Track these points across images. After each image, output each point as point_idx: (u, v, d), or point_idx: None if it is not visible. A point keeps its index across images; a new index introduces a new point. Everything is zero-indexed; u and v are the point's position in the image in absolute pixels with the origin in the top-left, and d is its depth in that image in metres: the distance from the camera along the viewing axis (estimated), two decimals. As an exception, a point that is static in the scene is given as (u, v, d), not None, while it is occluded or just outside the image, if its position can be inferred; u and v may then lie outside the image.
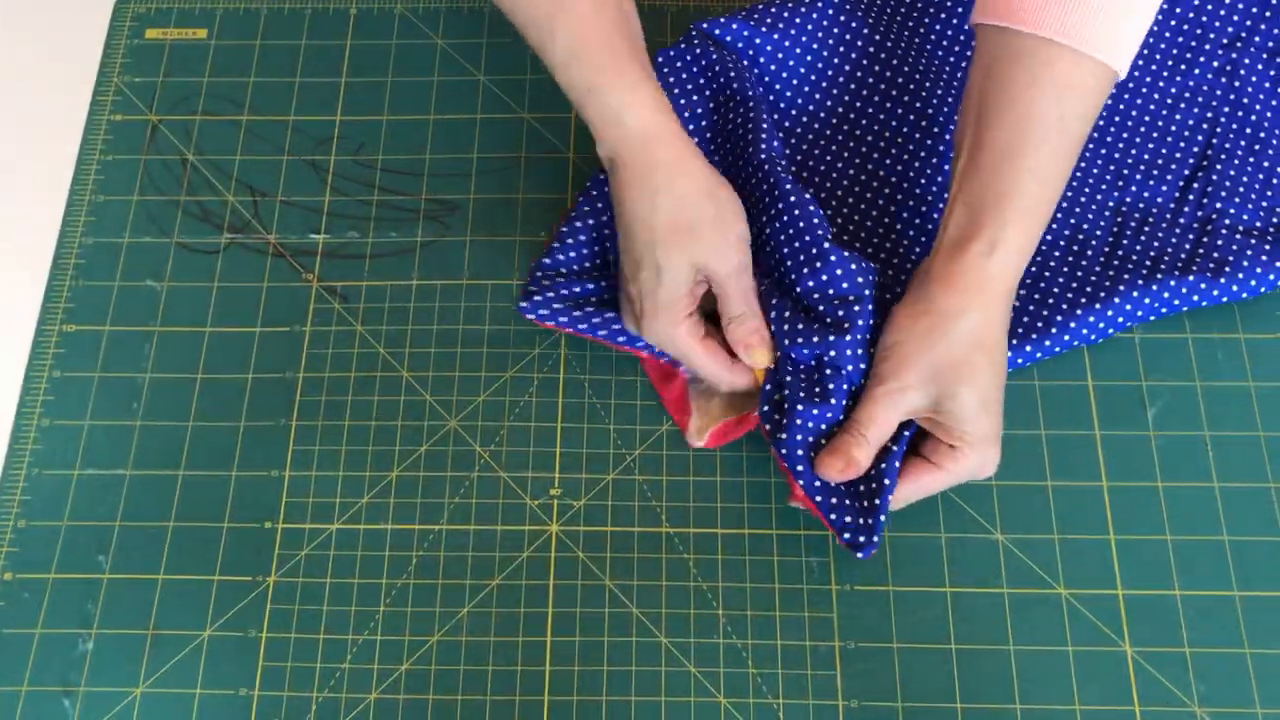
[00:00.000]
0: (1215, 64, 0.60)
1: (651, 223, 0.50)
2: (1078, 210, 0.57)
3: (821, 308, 0.51)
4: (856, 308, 0.50)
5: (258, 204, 0.61)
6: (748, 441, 0.54)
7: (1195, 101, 0.60)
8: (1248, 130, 0.59)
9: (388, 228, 0.60)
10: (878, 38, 0.61)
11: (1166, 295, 0.54)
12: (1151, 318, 0.55)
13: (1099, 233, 0.57)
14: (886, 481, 0.49)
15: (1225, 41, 0.61)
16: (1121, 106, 0.60)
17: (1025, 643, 0.50)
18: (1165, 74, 0.60)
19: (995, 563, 0.52)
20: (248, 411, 0.56)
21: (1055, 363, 0.56)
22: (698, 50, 0.58)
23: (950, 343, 0.48)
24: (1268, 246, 0.55)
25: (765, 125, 0.55)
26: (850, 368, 0.50)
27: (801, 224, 0.52)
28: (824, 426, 0.50)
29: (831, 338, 0.50)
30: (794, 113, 0.60)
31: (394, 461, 0.55)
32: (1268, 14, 0.61)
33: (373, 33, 0.65)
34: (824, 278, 0.51)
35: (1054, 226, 0.57)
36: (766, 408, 0.51)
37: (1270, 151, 0.58)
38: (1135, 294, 0.54)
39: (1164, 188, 0.58)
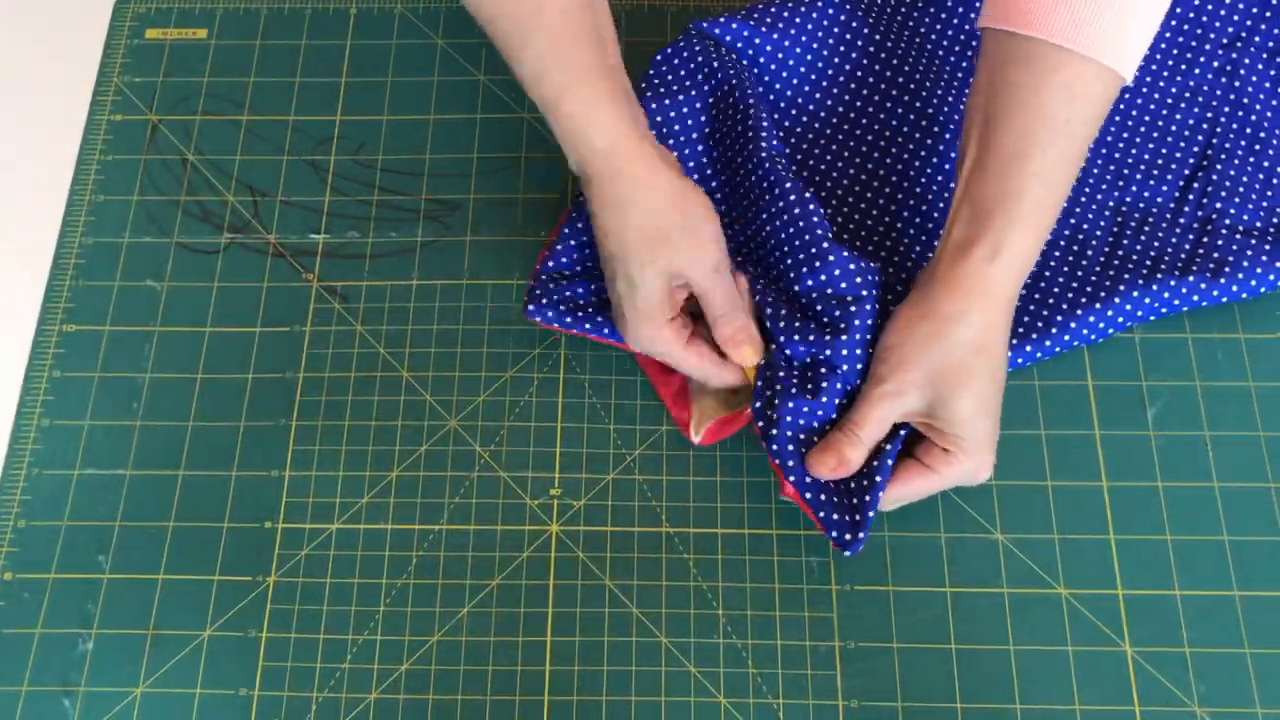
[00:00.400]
0: (1215, 64, 0.60)
1: (623, 236, 0.50)
2: (1078, 210, 0.57)
3: (820, 307, 0.51)
4: (854, 308, 0.50)
5: (258, 204, 0.61)
6: (748, 442, 0.54)
7: (1195, 101, 0.60)
8: (1248, 130, 0.59)
9: (388, 228, 0.60)
10: (878, 37, 0.61)
11: (1167, 295, 0.54)
12: (1151, 318, 0.55)
13: (1099, 233, 0.57)
14: (878, 479, 0.49)
15: (1225, 41, 0.61)
16: (1122, 106, 0.60)
17: (1025, 643, 0.50)
18: (1165, 74, 0.60)
19: (995, 563, 0.52)
20: (248, 411, 0.56)
21: (1055, 363, 0.56)
22: (696, 49, 0.58)
23: (949, 347, 0.48)
24: (1268, 247, 0.55)
25: (765, 124, 0.55)
26: (846, 368, 0.50)
27: (802, 223, 0.52)
28: (815, 424, 0.50)
29: (828, 337, 0.50)
30: (794, 112, 0.60)
31: (394, 461, 0.55)
32: (1268, 14, 0.61)
33: (373, 33, 0.65)
34: (823, 277, 0.51)
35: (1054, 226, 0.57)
36: (759, 404, 0.51)
37: (1270, 151, 0.58)
38: (1135, 294, 0.54)
39: (1164, 188, 0.58)
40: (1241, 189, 0.57)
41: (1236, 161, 0.58)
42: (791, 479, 0.50)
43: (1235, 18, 0.61)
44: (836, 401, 0.50)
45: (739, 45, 0.59)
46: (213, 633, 0.52)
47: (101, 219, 0.60)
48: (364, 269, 0.59)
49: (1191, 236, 0.56)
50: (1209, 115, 0.59)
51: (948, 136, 0.59)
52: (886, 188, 0.59)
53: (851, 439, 0.49)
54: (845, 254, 0.51)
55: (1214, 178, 0.57)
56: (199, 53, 0.65)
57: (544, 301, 0.54)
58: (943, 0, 0.62)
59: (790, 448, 0.50)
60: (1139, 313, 0.55)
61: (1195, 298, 0.55)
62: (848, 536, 0.49)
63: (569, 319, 0.54)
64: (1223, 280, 0.54)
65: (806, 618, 0.51)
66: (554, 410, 0.55)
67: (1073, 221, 0.57)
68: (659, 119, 0.58)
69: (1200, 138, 0.59)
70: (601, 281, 0.55)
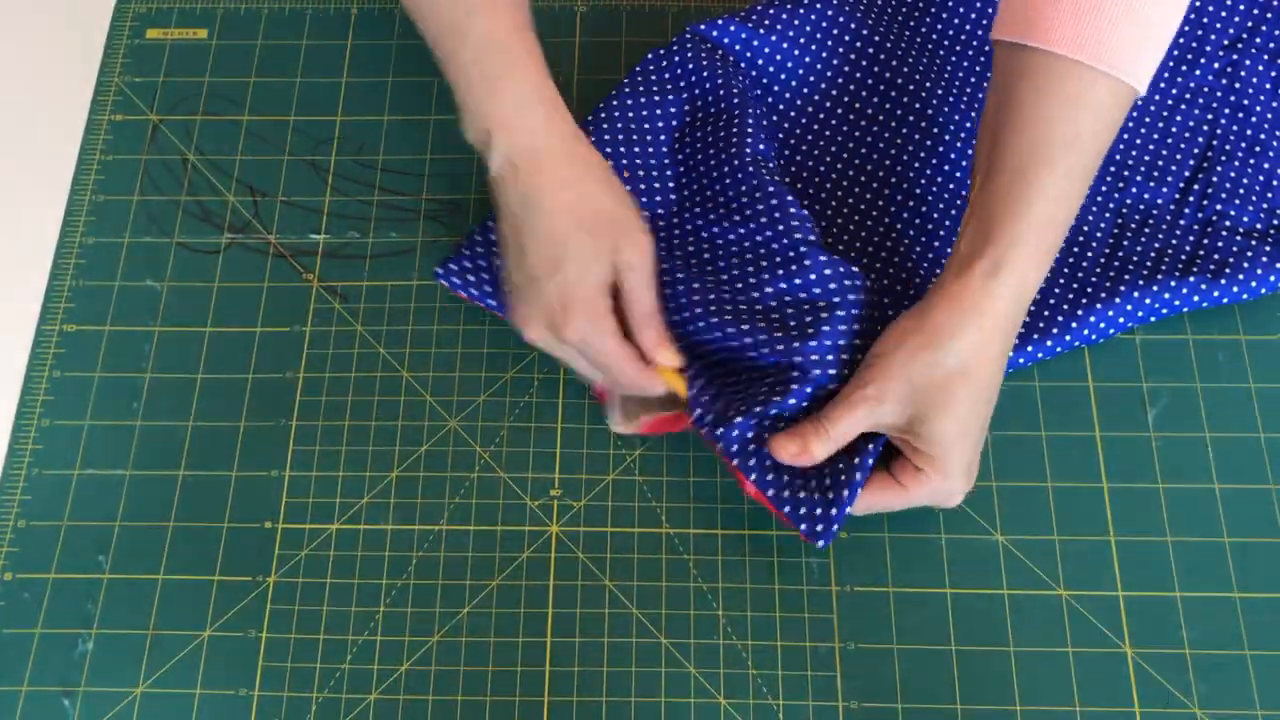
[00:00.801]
0: (1216, 65, 0.60)
1: (578, 210, 0.49)
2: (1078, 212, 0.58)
3: (790, 310, 0.51)
4: (828, 314, 0.50)
5: (258, 204, 0.61)
6: (748, 442, 0.54)
7: (1195, 103, 0.60)
8: (1248, 132, 0.59)
9: (388, 228, 0.60)
10: (876, 38, 0.61)
11: (1167, 296, 0.54)
12: (1152, 318, 0.55)
13: (1099, 234, 0.57)
14: (857, 476, 0.48)
15: (1225, 43, 0.61)
16: None
17: (1025, 643, 0.50)
18: (1166, 75, 0.60)
19: (995, 563, 0.52)
20: (248, 411, 0.56)
21: (1055, 363, 0.56)
22: (688, 53, 0.58)
23: (936, 361, 0.47)
24: (1268, 248, 0.55)
25: (751, 128, 0.55)
26: (818, 372, 0.49)
27: (781, 226, 0.52)
28: (767, 421, 0.50)
29: (796, 343, 0.49)
30: (792, 114, 0.60)
31: (394, 461, 0.55)
32: (1269, 15, 0.61)
33: (373, 33, 0.65)
34: (798, 281, 0.51)
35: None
36: (700, 408, 0.50)
37: (1270, 153, 0.58)
38: (1136, 294, 0.54)
39: (1164, 189, 0.58)
40: (1242, 190, 0.57)
41: (1236, 163, 0.58)
42: (753, 478, 0.49)
43: (1236, 19, 0.61)
44: (804, 405, 0.50)
45: (736, 48, 0.59)
46: (213, 633, 0.52)
47: (102, 219, 0.60)
48: (364, 269, 0.59)
49: (1192, 238, 0.56)
50: (1209, 117, 0.59)
51: (947, 138, 0.59)
52: (886, 189, 0.59)
53: (820, 433, 0.48)
54: (824, 258, 0.51)
55: (1214, 179, 0.57)
56: (199, 53, 0.65)
57: (454, 267, 0.55)
58: (943, 0, 0.62)
59: (751, 447, 0.50)
60: (1140, 313, 0.55)
61: (1196, 298, 0.55)
62: (819, 528, 0.48)
63: (474, 290, 0.55)
64: (1223, 281, 0.54)
65: (806, 619, 0.51)
66: (554, 411, 0.55)
67: (1073, 223, 0.57)
68: (630, 115, 0.58)
69: (1200, 139, 0.59)
70: None
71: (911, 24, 0.62)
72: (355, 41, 0.65)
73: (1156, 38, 0.47)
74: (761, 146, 0.55)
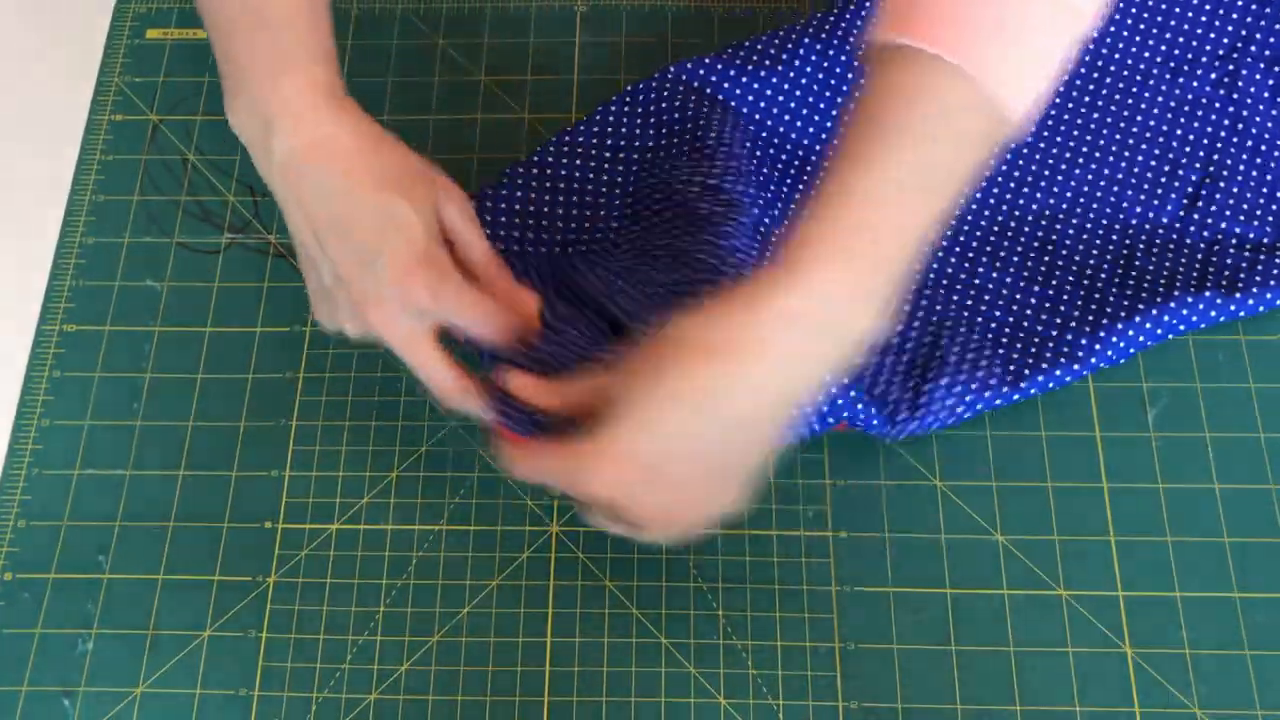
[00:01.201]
0: (1213, 75, 0.60)
1: (386, 176, 0.45)
2: (1087, 229, 0.57)
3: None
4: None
5: (258, 204, 0.61)
6: (748, 442, 0.54)
7: (1194, 115, 0.59)
8: (1249, 144, 0.58)
9: (388, 228, 0.60)
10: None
11: (1185, 312, 0.54)
12: (1170, 335, 0.55)
13: (1109, 255, 0.56)
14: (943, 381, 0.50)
15: (1222, 53, 0.60)
16: (1122, 124, 0.59)
17: (1025, 644, 0.50)
18: (1163, 86, 0.60)
19: (995, 563, 0.52)
20: (248, 411, 0.56)
21: (1056, 363, 0.56)
22: (666, 91, 0.58)
23: (670, 330, 0.40)
24: (1279, 259, 0.55)
25: (719, 162, 0.54)
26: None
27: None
28: None
29: None
30: (789, 146, 0.59)
31: (394, 461, 0.55)
32: (1263, 21, 0.60)
33: (373, 33, 0.65)
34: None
35: (1063, 251, 0.57)
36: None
37: (1273, 164, 0.58)
38: (1155, 313, 0.54)
39: (1169, 206, 0.57)
40: (1246, 205, 0.57)
41: (1240, 176, 0.58)
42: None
43: (1230, 27, 0.61)
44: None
45: (725, 85, 0.58)
46: (213, 633, 0.52)
47: (102, 219, 0.60)
48: (364, 269, 0.59)
49: (1200, 255, 0.56)
50: (1209, 129, 0.59)
51: None
52: None
53: (552, 389, 0.44)
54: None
55: (1218, 195, 0.57)
56: (199, 53, 0.65)
57: None
58: None
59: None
60: (1159, 330, 0.54)
61: (1213, 313, 0.54)
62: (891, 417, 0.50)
63: None
64: (1238, 295, 0.54)
65: (806, 618, 0.51)
66: (554, 410, 0.55)
67: (1081, 247, 0.57)
68: (600, 126, 0.59)
69: (1201, 152, 0.59)
70: None
71: None
72: (355, 42, 0.65)
73: (1036, 59, 0.40)
74: (729, 179, 0.54)
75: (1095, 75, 0.60)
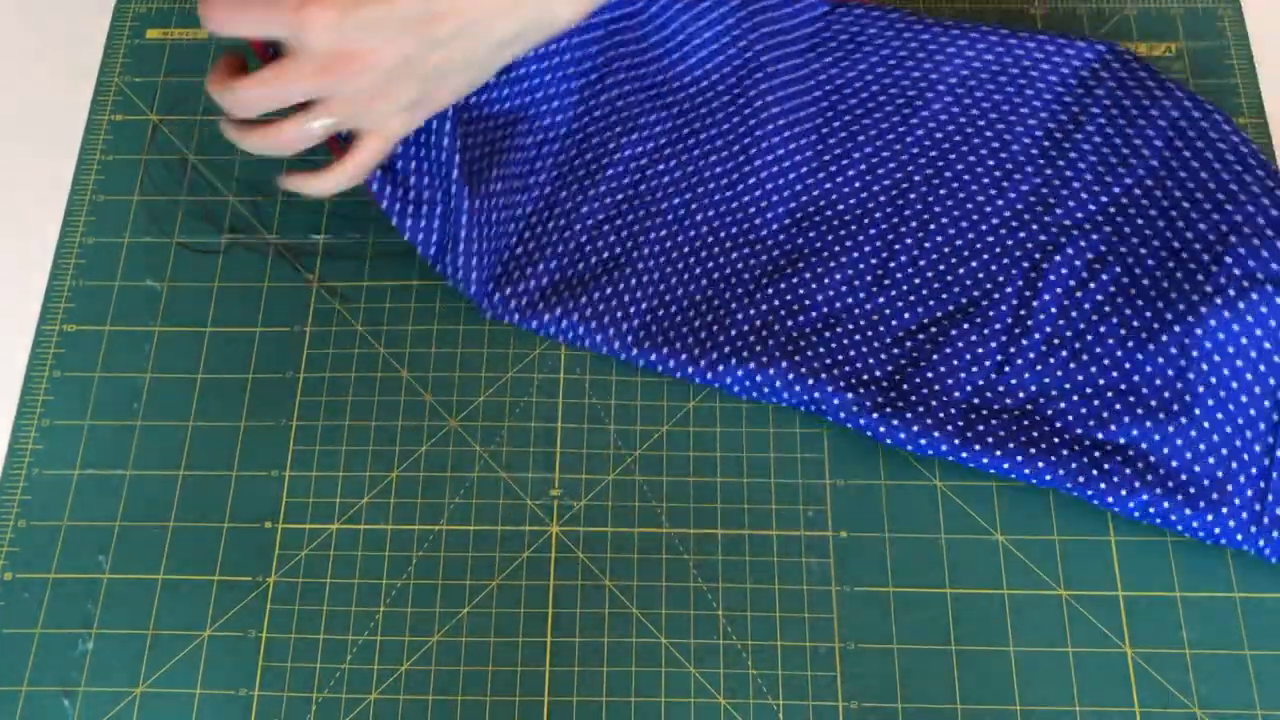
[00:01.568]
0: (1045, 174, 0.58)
1: None
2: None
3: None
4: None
5: (258, 204, 0.61)
6: (748, 441, 0.54)
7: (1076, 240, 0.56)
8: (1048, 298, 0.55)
9: (389, 228, 0.60)
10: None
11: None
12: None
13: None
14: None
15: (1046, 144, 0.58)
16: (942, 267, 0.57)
17: (1025, 643, 0.50)
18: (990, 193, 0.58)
19: (995, 563, 0.52)
20: (248, 411, 0.56)
21: (1055, 363, 0.56)
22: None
23: None
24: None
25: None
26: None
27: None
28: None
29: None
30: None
31: (394, 462, 0.55)
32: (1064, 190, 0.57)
33: None
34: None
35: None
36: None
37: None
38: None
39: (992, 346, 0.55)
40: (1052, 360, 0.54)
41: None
42: None
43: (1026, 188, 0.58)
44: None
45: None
46: (213, 633, 0.52)
47: (101, 219, 0.60)
48: (364, 269, 0.59)
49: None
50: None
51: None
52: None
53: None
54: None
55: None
56: (199, 53, 0.65)
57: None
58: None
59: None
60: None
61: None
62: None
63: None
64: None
65: (806, 619, 0.51)
66: (554, 411, 0.55)
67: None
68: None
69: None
70: None
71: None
72: None
73: None
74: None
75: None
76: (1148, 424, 0.51)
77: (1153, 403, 0.51)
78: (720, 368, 0.54)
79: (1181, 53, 0.63)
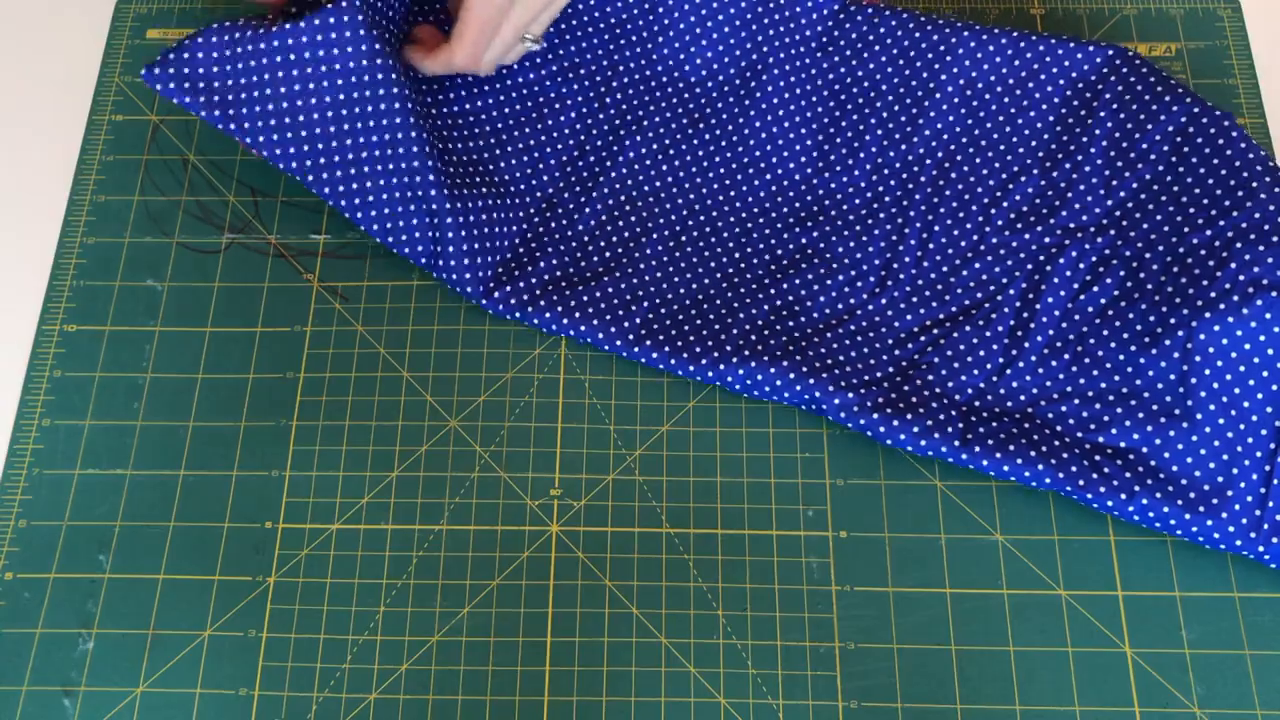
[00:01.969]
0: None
1: None
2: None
3: None
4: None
5: (258, 204, 0.61)
6: (748, 441, 0.54)
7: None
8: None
9: (388, 228, 0.60)
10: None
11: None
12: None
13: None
14: None
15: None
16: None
17: (1025, 643, 0.50)
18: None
19: (995, 563, 0.52)
20: (248, 411, 0.56)
21: (1055, 363, 0.56)
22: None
23: None
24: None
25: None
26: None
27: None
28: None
29: None
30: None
31: (394, 461, 0.55)
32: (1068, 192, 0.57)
33: (373, 33, 0.65)
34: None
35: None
36: None
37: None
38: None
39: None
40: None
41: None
42: None
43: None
44: None
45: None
46: (213, 633, 0.52)
47: (102, 219, 0.60)
48: (364, 269, 0.59)
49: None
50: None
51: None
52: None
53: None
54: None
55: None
56: (199, 53, 0.65)
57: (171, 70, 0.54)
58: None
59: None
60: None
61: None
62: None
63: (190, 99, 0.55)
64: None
65: (806, 618, 0.51)
66: (554, 410, 0.55)
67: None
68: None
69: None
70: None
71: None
72: None
73: None
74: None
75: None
76: (1149, 428, 0.51)
77: (1154, 406, 0.51)
78: (721, 366, 0.54)
79: (1181, 53, 0.63)
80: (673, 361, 0.55)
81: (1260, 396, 0.50)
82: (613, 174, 0.59)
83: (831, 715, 0.49)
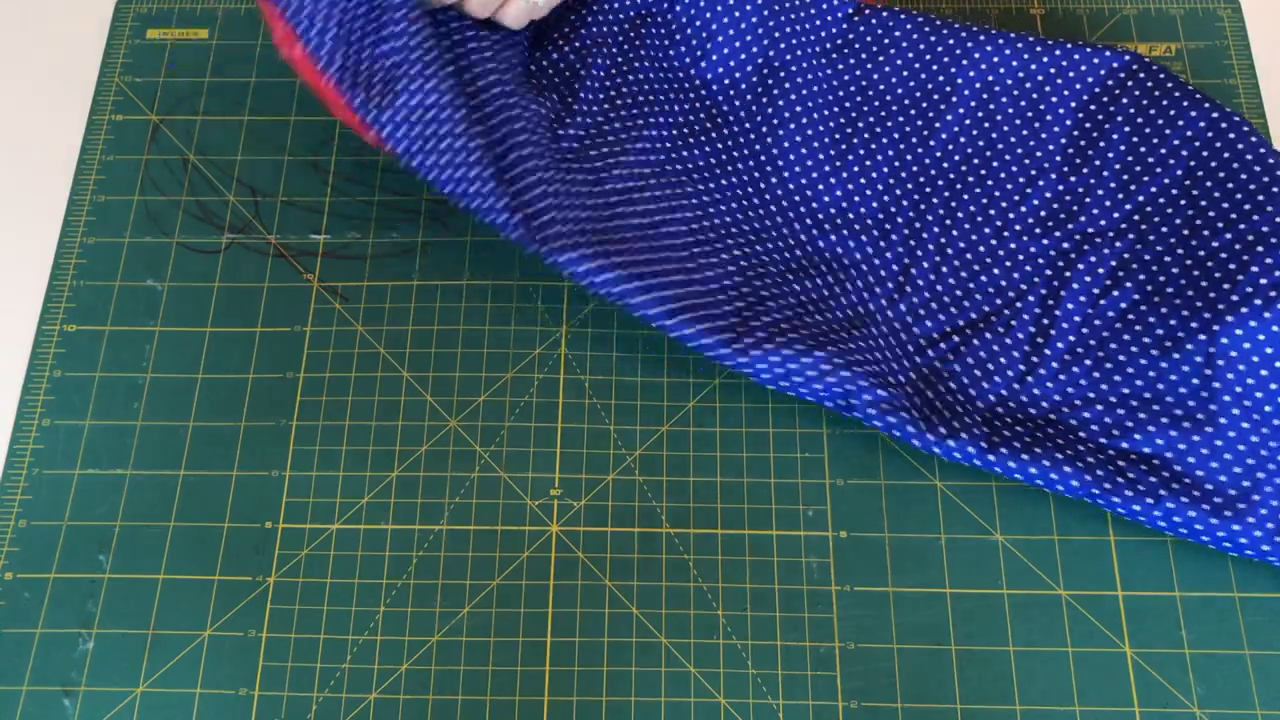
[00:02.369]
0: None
1: None
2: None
3: None
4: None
5: (258, 204, 0.61)
6: (748, 440, 0.54)
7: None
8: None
9: (389, 228, 0.60)
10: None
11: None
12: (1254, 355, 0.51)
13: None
14: None
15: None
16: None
17: (1025, 643, 0.50)
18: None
19: (995, 563, 0.52)
20: (248, 411, 0.56)
21: (1055, 363, 0.56)
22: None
23: None
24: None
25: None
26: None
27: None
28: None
29: None
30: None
31: (394, 461, 0.55)
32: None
33: None
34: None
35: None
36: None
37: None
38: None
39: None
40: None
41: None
42: None
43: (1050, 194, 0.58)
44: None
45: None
46: (213, 633, 0.52)
47: (102, 219, 0.60)
48: (365, 269, 0.59)
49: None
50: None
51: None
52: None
53: None
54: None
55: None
56: (199, 53, 0.65)
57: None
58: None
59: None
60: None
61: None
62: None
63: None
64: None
65: (806, 618, 0.51)
66: (554, 410, 0.55)
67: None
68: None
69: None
70: None
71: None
72: None
73: None
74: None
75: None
76: (1172, 433, 0.50)
77: (1177, 411, 0.51)
78: (755, 352, 0.52)
79: (1181, 53, 0.63)
80: (706, 341, 0.52)
81: None
82: (639, 145, 0.58)
83: (831, 715, 0.49)
